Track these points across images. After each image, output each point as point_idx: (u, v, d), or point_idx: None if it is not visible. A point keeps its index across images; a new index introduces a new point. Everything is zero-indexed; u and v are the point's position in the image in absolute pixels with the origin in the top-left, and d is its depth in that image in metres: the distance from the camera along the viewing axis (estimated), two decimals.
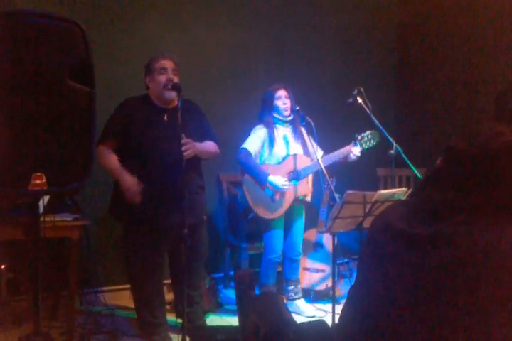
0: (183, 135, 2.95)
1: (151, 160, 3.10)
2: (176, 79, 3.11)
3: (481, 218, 1.21)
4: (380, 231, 1.36)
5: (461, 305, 1.16)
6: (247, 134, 3.80)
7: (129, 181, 3.05)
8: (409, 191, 3.18)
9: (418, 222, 1.28)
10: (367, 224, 3.12)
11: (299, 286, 3.96)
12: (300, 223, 3.91)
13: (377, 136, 3.62)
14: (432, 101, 5.13)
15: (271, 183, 3.64)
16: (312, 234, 4.18)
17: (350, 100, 3.55)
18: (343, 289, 4.28)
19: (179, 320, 3.15)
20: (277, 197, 3.69)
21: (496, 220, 1.20)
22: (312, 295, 4.12)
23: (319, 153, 3.77)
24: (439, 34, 5.02)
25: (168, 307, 3.56)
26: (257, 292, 3.76)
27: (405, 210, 1.34)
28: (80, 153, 2.02)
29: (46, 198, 2.90)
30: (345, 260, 4.57)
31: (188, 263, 3.13)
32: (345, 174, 4.05)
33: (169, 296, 3.67)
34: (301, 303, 3.91)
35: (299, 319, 3.62)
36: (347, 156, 3.66)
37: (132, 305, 3.44)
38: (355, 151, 3.62)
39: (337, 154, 3.65)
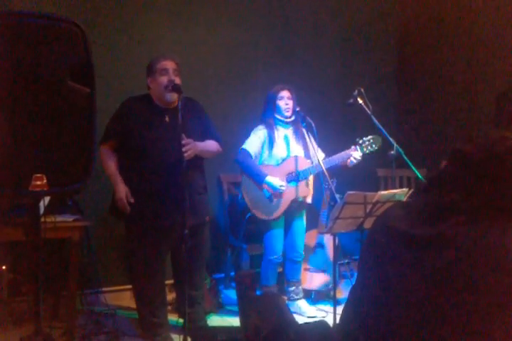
0: (183, 135, 2.95)
1: (152, 160, 3.10)
2: (177, 80, 3.11)
3: (482, 219, 1.21)
4: (381, 232, 1.36)
5: (462, 306, 1.16)
6: (247, 135, 3.80)
7: (122, 192, 3.10)
8: (410, 192, 3.19)
9: (419, 223, 1.28)
10: (368, 224, 3.12)
11: (300, 287, 3.96)
12: (300, 224, 3.90)
13: (379, 141, 3.62)
14: (432, 101, 5.12)
15: (268, 184, 3.64)
16: (313, 235, 4.18)
17: (351, 101, 3.55)
18: (343, 290, 4.27)
19: (180, 320, 3.15)
20: (275, 198, 3.69)
21: (497, 222, 1.20)
22: (313, 296, 4.12)
23: (320, 155, 3.77)
24: (440, 35, 5.02)
25: (169, 307, 3.56)
26: (257, 293, 3.76)
27: (407, 211, 1.34)
28: (81, 154, 2.02)
29: (47, 199, 2.90)
30: (346, 261, 4.57)
31: (189, 263, 3.14)
32: (345, 175, 4.05)
33: (171, 296, 3.67)
34: (302, 304, 3.90)
35: (300, 319, 3.61)
36: (347, 160, 3.65)
37: (133, 306, 3.44)
38: (355, 155, 3.61)
39: (337, 157, 3.65)
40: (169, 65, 3.13)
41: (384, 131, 3.41)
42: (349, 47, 5.19)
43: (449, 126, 4.88)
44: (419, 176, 3.29)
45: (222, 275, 4.45)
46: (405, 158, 3.34)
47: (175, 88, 2.99)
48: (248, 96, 4.59)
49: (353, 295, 1.43)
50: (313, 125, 3.56)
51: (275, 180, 3.63)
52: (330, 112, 4.80)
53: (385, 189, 4.72)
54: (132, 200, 3.10)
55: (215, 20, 4.49)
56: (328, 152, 3.75)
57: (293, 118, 3.80)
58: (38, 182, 1.92)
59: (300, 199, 3.76)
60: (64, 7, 3.80)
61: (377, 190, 4.06)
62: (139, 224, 3.15)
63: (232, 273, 4.42)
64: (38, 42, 1.91)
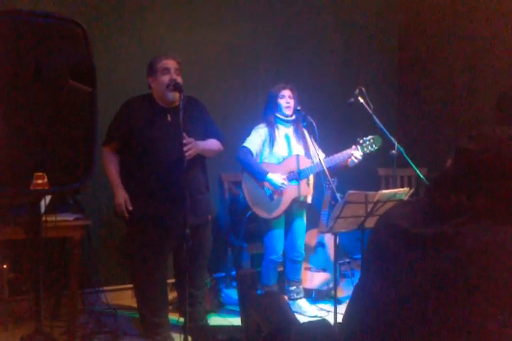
0: (184, 134, 2.94)
1: (154, 160, 3.10)
2: (179, 79, 3.10)
3: (486, 219, 1.21)
4: (384, 230, 1.36)
5: (463, 306, 1.16)
6: (248, 134, 3.80)
7: (121, 198, 3.12)
8: (411, 191, 3.18)
9: (423, 222, 1.28)
10: (369, 223, 3.12)
11: (300, 287, 3.96)
12: (301, 224, 3.90)
13: (379, 141, 3.62)
14: (433, 101, 5.12)
15: (269, 181, 3.64)
16: (314, 235, 4.18)
17: (352, 100, 3.55)
18: (344, 289, 4.28)
19: (181, 320, 3.15)
20: (275, 196, 3.69)
21: (500, 221, 1.20)
22: (314, 295, 4.12)
23: (320, 155, 3.77)
24: (440, 35, 5.01)
25: (170, 306, 3.56)
26: (258, 292, 3.76)
27: (410, 210, 1.34)
28: (82, 153, 2.02)
29: (48, 198, 2.90)
30: (347, 260, 4.57)
31: (191, 262, 3.14)
32: (346, 174, 4.05)
33: (173, 296, 3.67)
34: (303, 303, 3.90)
35: (300, 319, 3.62)
36: (348, 160, 3.65)
37: (134, 305, 3.44)
38: (356, 154, 3.61)
39: (338, 156, 3.64)
40: (171, 64, 3.13)
41: (385, 130, 3.41)
42: (350, 46, 5.19)
43: (450, 125, 4.88)
44: (420, 175, 3.29)
45: (223, 274, 4.45)
46: (406, 157, 3.34)
47: (176, 87, 2.99)
48: (249, 96, 4.59)
49: (356, 294, 1.43)
50: (314, 124, 3.56)
51: (276, 178, 3.63)
52: (331, 111, 4.79)
53: (386, 188, 4.72)
54: (131, 208, 3.12)
55: (216, 20, 4.49)
56: (329, 151, 3.74)
57: (294, 117, 3.80)
58: (39, 181, 1.93)
59: (302, 199, 3.76)
60: (65, 6, 3.80)
61: (378, 189, 4.07)
62: (140, 224, 3.15)
63: (233, 273, 4.42)
64: (39, 41, 1.91)
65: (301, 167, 3.71)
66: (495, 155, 1.24)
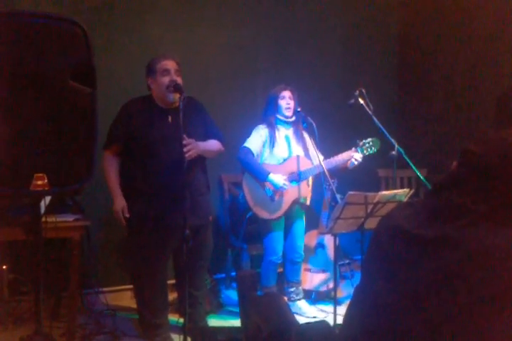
0: (184, 136, 2.94)
1: (155, 161, 3.09)
2: (179, 80, 3.10)
3: (488, 222, 1.21)
4: (386, 232, 1.36)
5: (464, 307, 1.15)
6: (248, 135, 3.80)
7: (119, 206, 3.14)
8: (411, 192, 3.19)
9: (426, 224, 1.28)
10: (368, 225, 3.12)
11: (300, 288, 3.96)
12: (300, 226, 3.90)
13: (378, 143, 3.65)
14: (433, 102, 5.13)
15: (271, 181, 3.64)
16: (313, 236, 4.18)
17: (352, 101, 3.55)
18: (344, 290, 4.28)
19: (181, 320, 3.15)
20: (277, 197, 3.69)
21: (503, 224, 1.20)
22: (313, 296, 4.12)
23: (320, 156, 3.77)
24: (440, 35, 5.02)
25: (170, 307, 3.55)
26: (258, 293, 3.76)
27: (413, 212, 1.34)
28: (82, 154, 2.02)
29: (48, 199, 2.90)
30: (347, 261, 4.57)
31: (191, 263, 3.14)
32: (346, 175, 4.04)
33: (173, 296, 3.67)
34: (302, 304, 3.90)
35: (300, 320, 3.62)
36: (347, 161, 3.65)
37: (134, 306, 3.44)
38: (356, 156, 3.62)
39: (338, 158, 3.65)
40: (170, 65, 3.13)
41: (385, 131, 3.41)
42: (350, 47, 5.19)
43: (450, 126, 4.89)
44: (420, 176, 3.29)
45: (223, 275, 4.45)
46: (406, 158, 3.34)
47: (177, 88, 2.99)
48: (249, 96, 4.59)
49: (357, 296, 1.43)
50: (314, 125, 3.56)
51: (278, 178, 3.63)
52: (331, 112, 4.79)
53: (386, 189, 4.72)
54: (127, 215, 3.13)
55: (217, 21, 4.49)
56: (329, 152, 3.74)
57: (294, 118, 3.80)
58: (39, 182, 1.92)
59: (302, 200, 3.76)
60: (65, 7, 3.80)
61: (377, 190, 4.06)
62: (141, 224, 3.14)
63: (233, 274, 4.42)
64: (39, 42, 1.91)
65: (302, 168, 3.71)
66: (500, 158, 1.24)
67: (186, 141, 2.99)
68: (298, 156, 3.76)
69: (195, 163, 3.13)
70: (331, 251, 4.06)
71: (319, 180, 3.72)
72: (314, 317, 3.78)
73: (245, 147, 3.73)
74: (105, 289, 3.90)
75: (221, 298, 4.04)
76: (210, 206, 3.41)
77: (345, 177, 4.07)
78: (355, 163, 3.63)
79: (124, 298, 4.06)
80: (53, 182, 1.95)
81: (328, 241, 4.09)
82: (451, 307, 1.16)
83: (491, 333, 1.13)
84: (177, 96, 3.00)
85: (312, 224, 4.17)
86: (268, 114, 3.81)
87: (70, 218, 3.15)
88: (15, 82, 1.88)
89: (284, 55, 4.83)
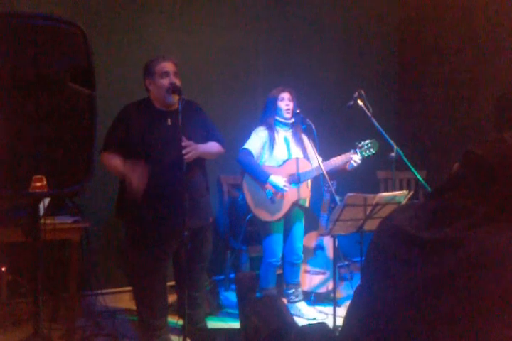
0: (183, 138, 2.94)
1: (155, 163, 3.08)
2: (178, 82, 3.10)
3: (490, 223, 1.21)
4: (387, 233, 1.36)
5: (464, 308, 1.16)
6: (247, 136, 3.80)
7: (135, 183, 2.99)
8: (410, 194, 3.19)
9: (427, 225, 1.28)
10: (367, 226, 3.12)
11: (299, 289, 3.95)
12: (299, 228, 3.90)
13: (377, 145, 3.65)
14: (432, 103, 5.13)
15: (271, 183, 3.64)
16: (313, 237, 4.18)
17: (351, 103, 3.55)
18: (343, 291, 4.28)
19: (180, 322, 3.14)
20: (277, 199, 3.69)
21: (505, 226, 1.20)
22: (313, 298, 4.12)
23: (318, 159, 3.77)
24: (439, 36, 5.02)
25: (169, 309, 3.55)
26: (257, 295, 3.75)
27: (414, 214, 1.34)
28: (81, 156, 2.02)
29: (47, 200, 2.90)
30: (346, 262, 4.57)
31: (191, 264, 3.13)
32: (345, 177, 4.05)
33: (172, 298, 3.66)
34: (302, 306, 3.90)
35: (300, 321, 3.61)
36: (346, 163, 3.65)
37: (133, 307, 3.43)
38: (355, 158, 3.62)
39: (337, 160, 3.65)
40: (169, 67, 3.12)
41: (384, 133, 3.41)
42: (349, 49, 5.19)
43: (450, 128, 4.89)
44: (419, 178, 3.29)
45: (222, 277, 4.45)
46: (405, 160, 3.34)
47: (175, 90, 2.99)
48: (248, 98, 4.59)
49: (356, 297, 1.43)
50: (313, 127, 3.56)
51: (279, 180, 3.63)
52: (330, 114, 4.80)
53: (385, 191, 4.72)
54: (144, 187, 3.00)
55: (216, 22, 4.50)
56: (328, 154, 3.74)
57: (293, 120, 3.81)
58: (38, 184, 1.93)
59: (301, 202, 3.76)
60: (64, 8, 3.80)
61: (377, 192, 4.07)
62: (141, 226, 3.14)
63: (232, 275, 4.42)
64: (38, 43, 1.91)
65: (301, 170, 3.71)
66: (501, 159, 1.24)
67: (185, 142, 2.99)
68: (297, 158, 3.76)
69: (195, 165, 3.13)
70: (330, 253, 4.06)
71: (318, 181, 3.73)
72: (314, 319, 3.78)
73: (245, 149, 3.73)
74: (104, 291, 3.89)
75: (220, 300, 4.04)
76: (210, 207, 3.41)
77: (344, 179, 4.08)
78: (354, 164, 3.64)
79: (123, 299, 4.06)
80: (52, 183, 1.96)
81: (328, 242, 4.10)
82: (451, 308, 1.16)
83: (491, 334, 1.14)
84: (176, 98, 2.99)
85: (311, 226, 4.17)
86: (267, 116, 3.82)
87: (69, 220, 3.16)
88: (14, 83, 1.88)
89: (284, 56, 4.83)
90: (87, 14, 3.92)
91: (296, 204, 3.75)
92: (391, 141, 3.41)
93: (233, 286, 4.37)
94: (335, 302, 3.22)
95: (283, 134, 3.83)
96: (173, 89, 3.00)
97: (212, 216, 3.44)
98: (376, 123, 3.44)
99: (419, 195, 4.84)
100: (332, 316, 3.19)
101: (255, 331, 1.63)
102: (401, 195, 3.11)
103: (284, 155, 3.78)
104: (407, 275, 1.26)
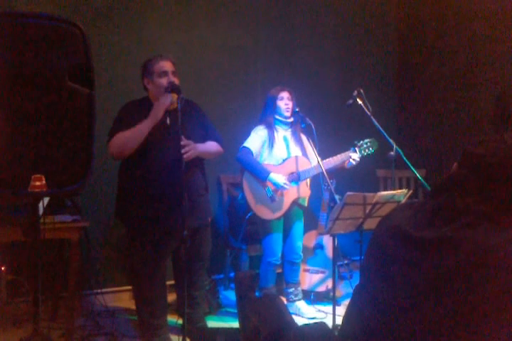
0: (182, 137, 2.94)
1: (154, 162, 3.08)
2: (177, 81, 3.10)
3: (489, 222, 1.21)
4: (386, 233, 1.36)
5: (463, 307, 1.16)
6: (247, 135, 3.81)
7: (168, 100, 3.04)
8: (410, 192, 3.19)
9: (426, 225, 1.28)
10: (367, 225, 3.12)
11: (299, 288, 3.96)
12: (299, 227, 3.91)
13: (376, 144, 3.67)
14: (432, 102, 5.13)
15: (272, 181, 3.64)
16: (312, 236, 4.18)
17: (350, 102, 3.55)
18: (343, 290, 4.28)
19: (180, 321, 3.14)
20: (277, 197, 3.69)
21: (504, 225, 1.20)
22: (312, 297, 4.12)
23: (318, 157, 3.77)
24: (439, 36, 5.02)
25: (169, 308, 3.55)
26: (257, 294, 3.76)
27: (413, 213, 1.35)
28: (80, 155, 2.02)
29: (46, 199, 2.90)
30: (346, 261, 4.57)
31: (190, 263, 3.13)
32: (345, 175, 4.05)
33: (172, 297, 3.67)
34: (301, 305, 3.90)
35: (299, 320, 3.62)
36: (345, 161, 3.66)
37: (132, 307, 3.44)
38: (354, 156, 3.63)
39: (336, 159, 3.65)
40: (168, 66, 3.11)
41: (383, 132, 3.41)
42: (349, 47, 5.19)
43: (449, 127, 4.89)
44: (419, 177, 3.29)
45: (222, 276, 4.45)
46: (405, 158, 3.34)
47: (174, 89, 2.98)
48: (248, 97, 4.59)
49: (355, 296, 1.43)
50: (312, 126, 3.57)
51: (279, 178, 3.63)
52: (329, 113, 4.79)
53: (385, 190, 4.72)
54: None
55: (215, 21, 4.49)
56: (328, 153, 3.74)
57: (292, 119, 3.81)
58: (37, 183, 1.92)
59: (301, 200, 3.76)
60: (63, 7, 3.80)
61: (376, 190, 4.06)
62: (140, 225, 3.14)
63: (232, 274, 4.42)
64: (37, 43, 1.91)
65: (301, 168, 3.72)
66: (500, 159, 1.24)
67: (184, 142, 2.98)
68: (297, 156, 3.76)
69: (194, 164, 3.13)
70: (329, 252, 4.06)
71: (317, 180, 3.73)
72: (313, 318, 3.78)
73: (245, 147, 3.73)
74: (104, 290, 3.89)
75: (220, 299, 4.04)
76: (209, 207, 3.41)
77: (343, 177, 4.08)
78: (353, 162, 3.65)
79: (122, 298, 4.06)
80: (51, 183, 1.95)
81: (327, 241, 4.10)
82: (450, 307, 1.17)
83: (490, 333, 1.14)
84: (175, 97, 2.99)
85: (311, 225, 4.17)
86: (267, 115, 3.82)
87: (68, 219, 3.15)
88: (13, 82, 1.88)
89: (283, 55, 4.83)
90: (86, 13, 3.91)
91: (296, 202, 3.75)
92: (390, 140, 3.41)
93: (233, 285, 4.37)
94: (334, 301, 3.22)
95: (282, 133, 3.83)
96: (172, 88, 3.00)
97: (211, 215, 3.44)
98: (376, 122, 3.44)
99: (419, 194, 4.84)
100: (331, 315, 3.19)
101: (255, 330, 1.63)
102: (400, 193, 3.11)
103: (283, 154, 3.78)
104: (406, 274, 1.26)
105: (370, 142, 3.66)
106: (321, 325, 1.59)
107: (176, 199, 2.92)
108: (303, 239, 3.96)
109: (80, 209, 3.39)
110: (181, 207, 2.79)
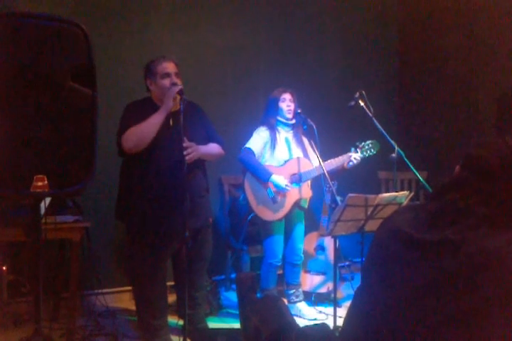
0: (185, 138, 2.94)
1: (156, 164, 3.08)
2: (179, 83, 3.10)
3: (490, 225, 1.21)
4: (387, 235, 1.36)
5: (465, 309, 1.16)
6: (248, 136, 3.81)
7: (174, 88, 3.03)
8: (411, 194, 3.19)
9: (428, 227, 1.28)
10: (368, 227, 3.12)
11: (300, 290, 3.95)
12: (300, 228, 3.90)
13: (378, 146, 3.67)
14: (433, 104, 5.12)
15: (273, 182, 3.64)
16: (313, 238, 4.18)
17: (352, 103, 3.55)
18: (344, 292, 4.28)
19: (180, 322, 3.14)
20: (279, 198, 3.69)
21: (504, 226, 1.20)
22: (313, 298, 4.12)
23: (319, 159, 3.77)
24: (440, 36, 5.02)
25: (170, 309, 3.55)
26: (258, 295, 3.75)
27: (415, 215, 1.35)
28: (82, 156, 2.02)
29: (48, 200, 2.90)
30: (347, 263, 4.56)
31: (191, 265, 3.13)
32: (346, 177, 4.05)
33: (172, 298, 3.67)
34: (302, 306, 3.90)
35: (300, 322, 3.61)
36: (346, 162, 3.66)
37: (133, 307, 3.43)
38: (354, 156, 3.63)
39: (338, 160, 3.65)
40: (170, 67, 3.12)
41: (385, 133, 3.41)
42: (351, 49, 5.19)
43: (451, 129, 4.88)
44: (421, 179, 3.29)
45: (223, 277, 4.45)
46: (406, 160, 3.34)
47: (178, 90, 2.99)
48: (249, 98, 4.59)
49: (357, 298, 1.43)
50: (314, 127, 3.56)
51: (281, 179, 3.63)
52: (331, 115, 4.79)
53: (386, 191, 4.72)
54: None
55: (217, 22, 4.50)
56: (329, 154, 3.74)
57: (294, 120, 3.81)
58: (40, 184, 1.93)
59: (303, 201, 3.76)
60: (65, 8, 3.80)
61: (378, 192, 4.06)
62: (141, 226, 3.14)
63: (233, 275, 4.42)
64: (40, 44, 1.91)
65: (302, 170, 3.71)
66: (502, 161, 1.25)
67: (187, 143, 2.99)
68: (299, 158, 3.76)
69: (195, 165, 3.13)
70: (330, 253, 4.06)
71: (319, 182, 3.72)
72: (314, 319, 3.78)
73: (247, 148, 3.73)
74: (105, 290, 3.89)
75: (221, 300, 4.03)
76: (210, 208, 3.41)
77: (345, 179, 4.07)
78: (354, 161, 3.65)
79: (123, 299, 4.06)
80: (53, 183, 1.96)
81: (328, 243, 4.09)
82: (451, 309, 1.17)
83: (491, 335, 1.14)
84: (178, 98, 2.99)
85: (312, 226, 4.17)
86: (269, 116, 3.82)
87: (69, 219, 3.16)
88: (16, 83, 1.89)
89: (285, 56, 4.83)
90: (88, 14, 3.92)
91: (297, 203, 3.75)
92: (392, 142, 3.41)
93: (234, 286, 4.36)
94: (335, 303, 3.21)
95: (284, 135, 3.83)
96: (179, 93, 2.99)
97: (211, 217, 3.44)
98: (377, 124, 3.44)
99: (420, 196, 4.84)
100: (332, 316, 3.19)
101: (256, 331, 1.63)
102: (402, 195, 3.11)
103: (284, 156, 3.78)
104: (408, 276, 1.26)
105: (371, 144, 3.67)
106: (323, 326, 1.59)
107: (178, 200, 2.92)
108: (304, 241, 3.96)
109: (82, 209, 3.39)
110: (182, 208, 2.79)
